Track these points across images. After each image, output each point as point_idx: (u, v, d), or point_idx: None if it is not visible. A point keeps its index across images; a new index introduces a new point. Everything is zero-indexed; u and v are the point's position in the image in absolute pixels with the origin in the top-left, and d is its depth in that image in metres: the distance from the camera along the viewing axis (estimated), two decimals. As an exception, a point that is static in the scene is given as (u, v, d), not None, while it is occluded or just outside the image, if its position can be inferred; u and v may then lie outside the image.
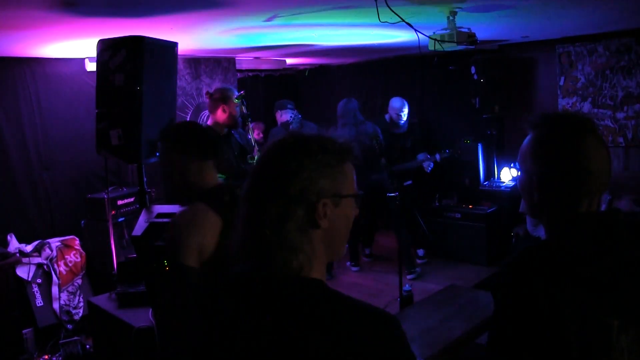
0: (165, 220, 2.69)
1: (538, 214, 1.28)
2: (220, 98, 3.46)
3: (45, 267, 4.07)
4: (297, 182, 0.99)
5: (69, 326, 4.06)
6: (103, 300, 3.05)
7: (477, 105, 5.41)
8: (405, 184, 5.37)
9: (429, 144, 5.74)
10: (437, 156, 5.26)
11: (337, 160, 1.04)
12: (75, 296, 4.18)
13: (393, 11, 2.68)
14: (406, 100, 5.36)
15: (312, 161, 1.01)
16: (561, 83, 5.38)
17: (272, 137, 5.02)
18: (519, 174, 1.31)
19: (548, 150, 1.23)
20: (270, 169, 1.02)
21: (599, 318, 1.10)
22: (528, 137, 1.28)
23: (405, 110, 5.31)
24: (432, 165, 5.33)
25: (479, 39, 3.47)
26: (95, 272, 4.34)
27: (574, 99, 5.31)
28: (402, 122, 5.32)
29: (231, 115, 3.49)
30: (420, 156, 5.38)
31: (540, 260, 1.18)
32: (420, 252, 5.55)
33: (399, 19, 2.78)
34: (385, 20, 2.79)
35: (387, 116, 5.44)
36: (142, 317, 2.70)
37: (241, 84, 6.12)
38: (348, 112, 5.15)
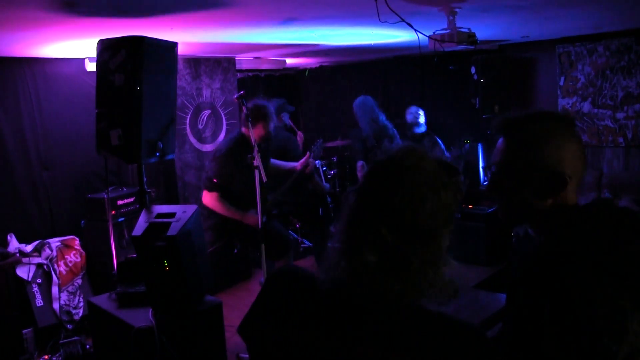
0: (165, 220, 2.69)
1: (534, 215, 1.30)
2: (261, 115, 3.77)
3: (45, 267, 4.07)
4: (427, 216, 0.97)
5: (69, 326, 4.06)
6: (103, 300, 3.06)
7: (477, 105, 5.41)
8: None
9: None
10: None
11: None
12: (75, 296, 4.18)
13: (393, 11, 2.68)
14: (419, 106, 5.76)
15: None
16: (561, 83, 5.37)
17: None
18: (500, 181, 1.32)
19: (529, 151, 1.26)
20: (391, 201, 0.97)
21: (617, 302, 1.12)
22: (502, 143, 1.31)
23: (421, 112, 5.73)
24: None
25: (479, 39, 3.47)
26: (95, 272, 4.34)
27: (574, 99, 5.31)
28: (420, 123, 5.74)
29: (268, 132, 3.84)
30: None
31: (561, 253, 1.19)
32: None
33: (399, 19, 2.78)
34: (385, 20, 2.79)
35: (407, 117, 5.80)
36: (142, 317, 2.70)
37: (241, 84, 6.12)
38: (366, 110, 5.32)
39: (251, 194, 3.64)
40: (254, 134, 3.61)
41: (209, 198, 3.85)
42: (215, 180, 3.79)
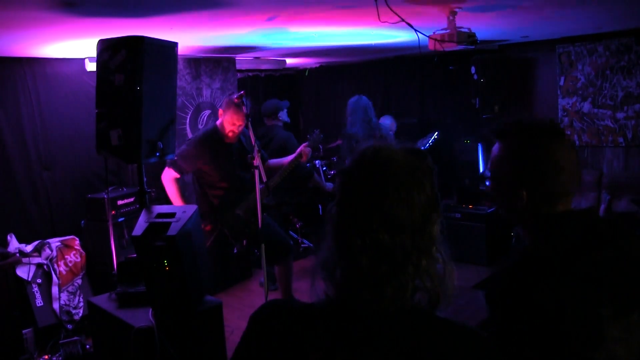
0: (165, 220, 2.69)
1: (519, 218, 1.33)
2: (235, 104, 3.71)
3: (45, 267, 4.07)
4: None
5: (69, 326, 4.06)
6: (103, 300, 3.05)
7: (477, 105, 5.41)
8: None
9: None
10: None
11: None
12: (75, 296, 4.18)
13: (393, 11, 2.68)
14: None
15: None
16: (561, 83, 5.38)
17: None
18: (493, 181, 1.37)
19: (526, 156, 1.28)
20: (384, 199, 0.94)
21: (592, 310, 1.12)
22: (499, 145, 1.34)
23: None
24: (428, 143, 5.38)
25: (479, 39, 3.47)
26: (95, 272, 4.34)
27: (574, 99, 5.31)
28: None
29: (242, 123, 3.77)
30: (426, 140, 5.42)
31: (539, 261, 1.20)
32: None
33: (399, 19, 2.78)
34: (385, 20, 2.79)
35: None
36: (142, 317, 2.70)
37: (241, 84, 6.12)
38: (358, 110, 5.21)
39: (230, 183, 3.71)
40: (228, 122, 3.73)
41: (163, 173, 3.89)
42: (175, 158, 3.81)
